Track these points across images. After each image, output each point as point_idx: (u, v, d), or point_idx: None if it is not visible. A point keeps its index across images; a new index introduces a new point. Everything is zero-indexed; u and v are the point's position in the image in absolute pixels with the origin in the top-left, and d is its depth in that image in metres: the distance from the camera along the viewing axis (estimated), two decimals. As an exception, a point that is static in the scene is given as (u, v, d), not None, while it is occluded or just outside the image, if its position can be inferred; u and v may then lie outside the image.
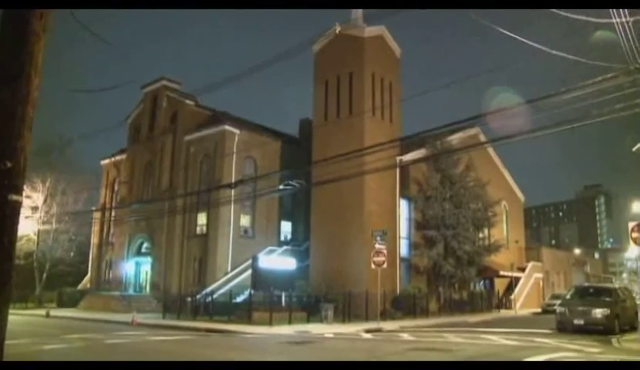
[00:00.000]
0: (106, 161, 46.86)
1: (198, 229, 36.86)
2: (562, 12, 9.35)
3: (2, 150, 3.70)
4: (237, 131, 36.56)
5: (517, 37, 10.45)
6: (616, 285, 31.42)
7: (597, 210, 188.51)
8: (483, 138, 34.31)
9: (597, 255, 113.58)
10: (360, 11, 36.37)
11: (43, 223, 39.82)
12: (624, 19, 9.48)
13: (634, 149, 23.52)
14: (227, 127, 36.28)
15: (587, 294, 21.58)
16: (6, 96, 3.85)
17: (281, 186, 30.07)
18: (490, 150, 44.12)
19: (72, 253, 46.63)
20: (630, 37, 9.88)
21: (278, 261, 29.29)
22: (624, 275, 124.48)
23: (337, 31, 34.29)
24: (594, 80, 10.74)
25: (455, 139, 35.25)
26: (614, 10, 9.23)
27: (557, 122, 12.09)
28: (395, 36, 36.62)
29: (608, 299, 20.00)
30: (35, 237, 39.91)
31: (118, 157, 45.28)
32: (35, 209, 39.21)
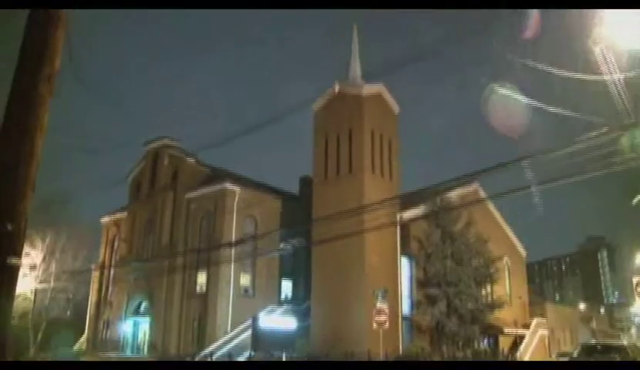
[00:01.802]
0: (106, 219, 46.82)
1: (198, 288, 36.42)
2: (554, 70, 9.62)
3: (4, 212, 3.72)
4: (237, 189, 36.73)
5: (517, 97, 10.69)
6: (624, 342, 30.74)
7: (600, 263, 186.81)
8: (482, 193, 34.46)
9: (602, 310, 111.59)
10: (358, 69, 37.39)
11: (41, 281, 39.35)
12: (615, 76, 9.76)
13: (633, 202, 23.54)
14: (227, 185, 36.47)
15: (595, 352, 21.09)
16: (11, 157, 3.91)
17: (281, 245, 29.97)
18: (491, 206, 44.20)
19: (68, 312, 45.86)
20: (622, 92, 10.13)
21: (279, 321, 28.86)
22: (633, 331, 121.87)
23: (336, 90, 35.17)
24: (588, 135, 10.90)
25: (454, 195, 35.38)
26: (606, 68, 9.52)
27: (554, 176, 12.19)
28: (393, 94, 37.44)
29: (616, 357, 19.54)
30: (32, 296, 39.33)
31: (118, 215, 45.28)
32: (33, 267, 38.83)
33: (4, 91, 4.35)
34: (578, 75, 9.81)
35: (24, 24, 4.48)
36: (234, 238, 32.50)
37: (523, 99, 10.87)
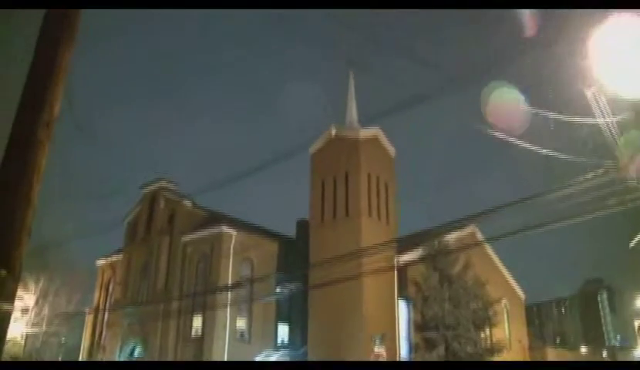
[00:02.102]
0: (102, 261, 46.39)
1: (193, 332, 35.83)
2: (549, 114, 9.77)
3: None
4: (234, 232, 36.58)
5: (514, 141, 10.80)
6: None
7: (600, 305, 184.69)
8: (480, 236, 34.35)
9: (605, 353, 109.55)
10: (355, 113, 37.87)
11: (32, 325, 38.57)
12: (607, 119, 9.91)
13: (631, 244, 23.52)
14: (224, 228, 36.34)
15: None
16: (7, 203, 3.90)
17: (278, 289, 29.67)
18: (488, 248, 43.99)
19: (60, 357, 44.86)
20: (615, 135, 10.27)
21: (275, 366, 28.27)
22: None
23: (332, 134, 35.52)
24: (585, 177, 10.97)
25: (452, 238, 35.25)
26: (599, 111, 9.68)
27: (552, 218, 12.21)
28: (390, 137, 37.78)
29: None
30: (22, 341, 38.48)
31: (114, 257, 44.90)
32: (24, 311, 38.13)
33: (4, 133, 4.38)
34: (572, 118, 9.96)
35: (25, 67, 4.54)
36: (230, 281, 32.20)
37: (519, 141, 10.99)
